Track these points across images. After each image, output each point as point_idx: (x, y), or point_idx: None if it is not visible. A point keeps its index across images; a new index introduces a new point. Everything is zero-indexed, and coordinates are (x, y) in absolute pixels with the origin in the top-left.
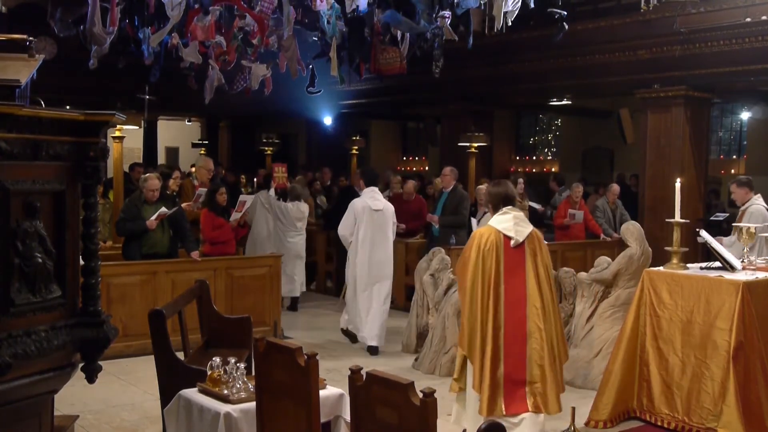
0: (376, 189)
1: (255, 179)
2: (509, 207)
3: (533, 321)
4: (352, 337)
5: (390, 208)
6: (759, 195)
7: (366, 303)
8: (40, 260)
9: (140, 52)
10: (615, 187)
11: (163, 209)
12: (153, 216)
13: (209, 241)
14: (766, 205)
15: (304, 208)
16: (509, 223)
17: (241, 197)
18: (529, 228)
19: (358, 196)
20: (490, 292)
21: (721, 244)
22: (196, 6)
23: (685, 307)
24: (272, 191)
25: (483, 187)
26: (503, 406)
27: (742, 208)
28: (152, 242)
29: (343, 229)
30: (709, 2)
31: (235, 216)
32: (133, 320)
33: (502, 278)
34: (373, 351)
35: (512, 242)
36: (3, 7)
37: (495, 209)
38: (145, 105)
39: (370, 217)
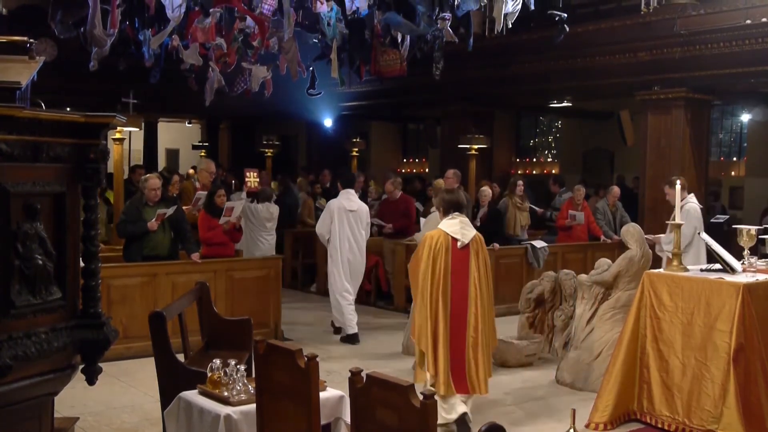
0: (351, 191)
1: (229, 182)
2: (457, 213)
3: (473, 313)
4: (351, 340)
5: (364, 208)
6: (692, 194)
7: (347, 297)
8: (40, 262)
9: (141, 54)
10: (615, 189)
11: (162, 210)
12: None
13: (203, 242)
14: (699, 204)
15: (273, 209)
16: (456, 227)
17: (227, 204)
18: (473, 232)
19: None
20: (439, 287)
21: (660, 242)
22: (197, 8)
23: (685, 309)
24: (244, 194)
25: (485, 188)
26: (453, 386)
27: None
28: (153, 244)
29: (321, 227)
30: (710, 4)
31: (224, 219)
32: (134, 322)
33: (450, 275)
34: (356, 339)
35: (459, 244)
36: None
37: (445, 214)
38: (129, 108)
39: (346, 217)
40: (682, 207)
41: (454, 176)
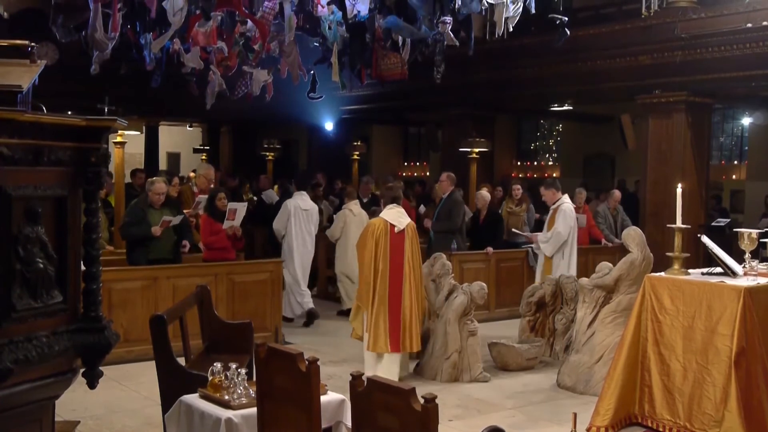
0: (304, 192)
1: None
2: (395, 204)
3: (407, 285)
4: (313, 316)
5: (315, 208)
6: (566, 195)
7: (301, 284)
8: (41, 266)
9: (142, 58)
10: (616, 193)
11: (167, 217)
12: (159, 222)
13: (206, 245)
14: (573, 204)
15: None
16: (394, 216)
17: (230, 205)
18: (407, 220)
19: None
20: (379, 263)
21: (536, 240)
22: (198, 12)
23: (686, 312)
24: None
25: (484, 192)
26: (388, 345)
27: (553, 207)
28: (159, 248)
29: (278, 223)
30: (710, 8)
31: (228, 224)
32: (135, 325)
33: (388, 254)
34: (317, 314)
35: (396, 229)
36: (5, 13)
37: (385, 205)
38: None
39: (300, 216)
40: (557, 207)
41: (447, 179)
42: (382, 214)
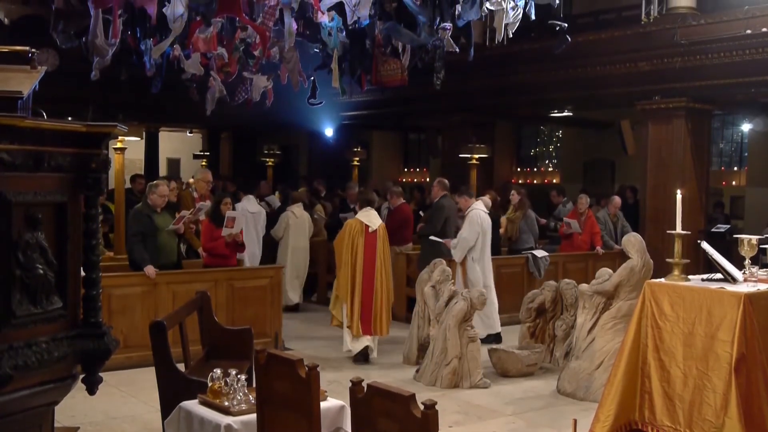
0: (252, 196)
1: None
2: (369, 207)
3: (378, 278)
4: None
5: (262, 212)
6: (480, 201)
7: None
8: (41, 271)
9: (142, 64)
10: (616, 199)
11: (183, 212)
12: (171, 224)
13: (207, 251)
14: (485, 210)
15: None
16: (368, 217)
17: (228, 213)
18: (379, 221)
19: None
20: (356, 259)
21: (449, 246)
22: (198, 18)
23: (686, 318)
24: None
25: (485, 198)
26: (361, 330)
27: (466, 213)
28: (167, 252)
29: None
30: (710, 14)
31: (227, 231)
32: (134, 331)
33: (363, 251)
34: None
35: (370, 229)
36: (5, 19)
37: (361, 207)
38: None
39: (248, 219)
40: (466, 213)
41: (437, 185)
42: (357, 216)
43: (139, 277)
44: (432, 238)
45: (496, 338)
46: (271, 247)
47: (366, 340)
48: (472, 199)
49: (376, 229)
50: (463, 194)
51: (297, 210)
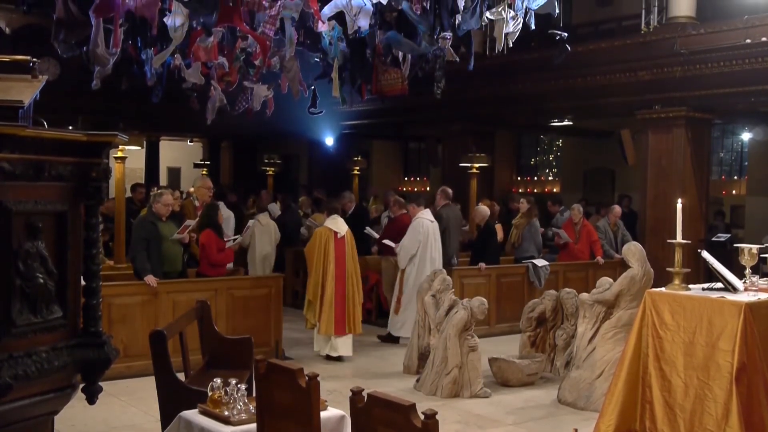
0: (222, 203)
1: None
2: (336, 215)
3: (349, 282)
4: None
5: (231, 217)
6: (428, 210)
7: None
8: (41, 281)
9: (143, 73)
10: (616, 209)
11: (188, 221)
12: (175, 232)
13: (216, 263)
14: (431, 218)
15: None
16: (336, 224)
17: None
18: (346, 227)
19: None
20: (327, 264)
21: (396, 252)
22: (199, 27)
23: (687, 328)
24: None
25: (484, 207)
26: (333, 330)
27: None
28: (172, 260)
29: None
30: (710, 24)
31: (239, 240)
32: (134, 341)
33: (333, 256)
34: None
35: (338, 235)
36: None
37: (328, 215)
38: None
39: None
40: (413, 222)
41: (439, 194)
42: (326, 224)
43: (139, 286)
44: (367, 230)
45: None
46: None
47: (343, 350)
48: (419, 208)
49: (344, 235)
50: (411, 203)
51: (263, 218)
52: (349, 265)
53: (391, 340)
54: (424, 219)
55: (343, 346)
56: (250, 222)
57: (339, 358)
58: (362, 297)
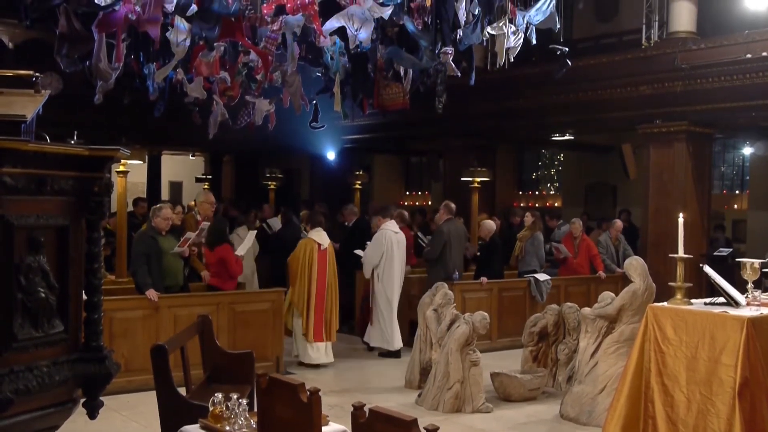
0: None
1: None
2: (319, 228)
3: (329, 291)
4: None
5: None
6: (393, 222)
7: None
8: (42, 295)
9: (145, 88)
10: (618, 223)
11: (189, 234)
12: (176, 246)
13: (236, 276)
14: (395, 230)
15: None
16: (318, 236)
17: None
18: (328, 240)
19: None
20: (311, 274)
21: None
22: (201, 42)
23: (689, 342)
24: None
25: (490, 222)
26: (313, 337)
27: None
28: (173, 274)
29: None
30: (710, 39)
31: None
32: (136, 355)
33: (316, 266)
34: None
35: (321, 247)
36: (10, 43)
37: (312, 227)
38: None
39: None
40: (375, 233)
41: (444, 208)
42: (309, 235)
43: (140, 300)
44: (356, 252)
45: (394, 355)
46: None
47: (324, 358)
48: (385, 219)
49: (326, 247)
50: (377, 214)
51: (242, 231)
52: (330, 275)
53: (392, 355)
54: (388, 230)
55: (320, 352)
56: (230, 236)
57: (318, 366)
58: (338, 305)
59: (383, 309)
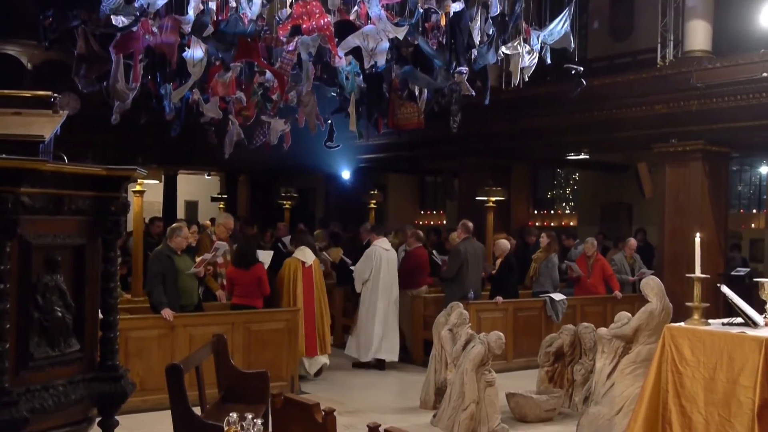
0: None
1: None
2: (304, 246)
3: (317, 305)
4: None
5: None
6: (385, 239)
7: None
8: (59, 314)
9: (162, 108)
10: (632, 241)
11: (206, 255)
12: (192, 266)
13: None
14: (386, 247)
15: None
16: (304, 254)
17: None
18: (312, 257)
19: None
20: (297, 291)
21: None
22: (217, 63)
23: (707, 363)
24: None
25: (505, 242)
26: (305, 351)
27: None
28: (188, 293)
29: None
30: (725, 58)
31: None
32: (151, 374)
33: (301, 284)
34: None
35: (306, 265)
36: (28, 64)
37: (296, 246)
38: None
39: None
40: (365, 249)
41: (461, 227)
42: (294, 254)
43: (156, 319)
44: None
45: (364, 366)
46: None
47: (322, 359)
48: (378, 236)
49: (311, 264)
50: (370, 231)
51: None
52: (317, 291)
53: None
54: (378, 247)
55: (316, 360)
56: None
57: (317, 373)
58: (329, 319)
59: (363, 320)
